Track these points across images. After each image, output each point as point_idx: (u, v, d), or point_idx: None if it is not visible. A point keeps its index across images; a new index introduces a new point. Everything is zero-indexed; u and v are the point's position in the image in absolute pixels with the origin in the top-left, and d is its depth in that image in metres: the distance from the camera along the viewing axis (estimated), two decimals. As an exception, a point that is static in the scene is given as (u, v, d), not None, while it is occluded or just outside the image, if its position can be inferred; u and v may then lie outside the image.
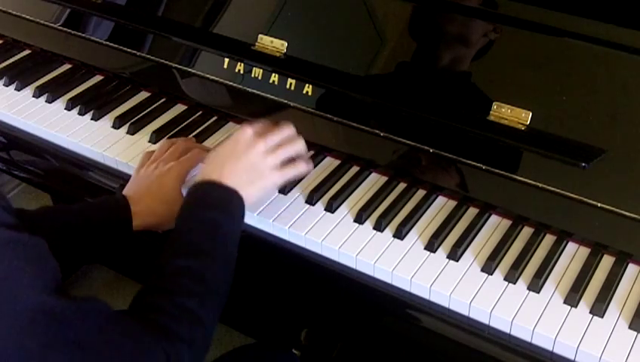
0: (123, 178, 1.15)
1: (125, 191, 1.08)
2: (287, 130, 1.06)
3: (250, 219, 1.07)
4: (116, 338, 0.77)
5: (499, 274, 0.98)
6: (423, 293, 0.97)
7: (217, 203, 0.93)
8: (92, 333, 0.76)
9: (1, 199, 0.78)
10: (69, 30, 1.43)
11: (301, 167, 1.05)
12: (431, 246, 1.02)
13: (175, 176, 1.07)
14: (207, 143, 1.23)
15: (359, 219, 1.06)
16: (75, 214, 1.03)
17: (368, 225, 1.06)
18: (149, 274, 0.88)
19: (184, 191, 1.09)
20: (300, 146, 1.06)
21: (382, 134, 1.13)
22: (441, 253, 1.01)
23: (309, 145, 1.20)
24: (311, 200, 1.10)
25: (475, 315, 0.94)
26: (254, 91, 1.24)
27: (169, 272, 0.87)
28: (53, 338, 0.73)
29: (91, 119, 1.29)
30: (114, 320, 0.79)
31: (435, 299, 0.97)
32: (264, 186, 1.00)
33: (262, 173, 0.99)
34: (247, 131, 1.01)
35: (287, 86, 1.21)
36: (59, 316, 0.74)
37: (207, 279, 0.86)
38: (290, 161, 1.05)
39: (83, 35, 1.41)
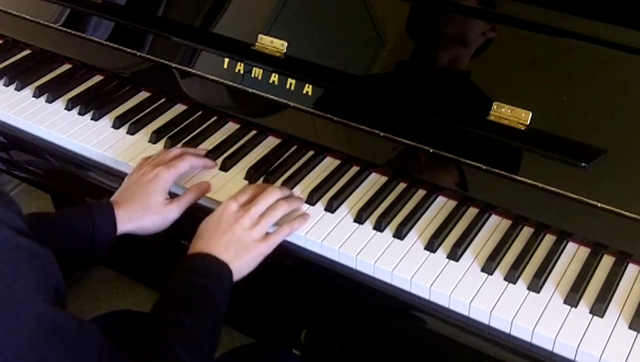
0: (123, 178, 1.15)
1: (113, 197, 1.10)
2: (274, 195, 1.05)
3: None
4: None
5: (499, 274, 0.98)
6: (423, 293, 0.97)
7: (209, 272, 0.96)
8: (92, 355, 0.76)
9: (13, 204, 0.78)
10: (69, 30, 1.43)
11: (284, 232, 1.04)
12: (431, 246, 1.02)
13: (160, 183, 1.08)
14: (207, 143, 1.23)
15: (359, 219, 1.06)
16: (58, 221, 1.04)
17: (368, 225, 1.06)
18: (145, 319, 0.92)
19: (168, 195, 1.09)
20: (284, 208, 1.05)
21: (382, 134, 1.13)
22: (441, 253, 1.01)
23: (309, 145, 1.20)
24: (311, 200, 1.10)
25: (475, 315, 0.94)
26: (254, 91, 1.24)
27: (163, 321, 0.91)
28: (57, 349, 0.73)
29: (91, 119, 1.29)
30: (108, 351, 0.79)
31: (435, 299, 0.97)
32: (251, 259, 1.01)
33: (247, 246, 1.00)
34: (232, 206, 1.03)
35: (287, 86, 1.21)
36: (61, 329, 0.74)
37: (196, 335, 0.90)
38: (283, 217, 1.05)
39: (83, 35, 1.41)
